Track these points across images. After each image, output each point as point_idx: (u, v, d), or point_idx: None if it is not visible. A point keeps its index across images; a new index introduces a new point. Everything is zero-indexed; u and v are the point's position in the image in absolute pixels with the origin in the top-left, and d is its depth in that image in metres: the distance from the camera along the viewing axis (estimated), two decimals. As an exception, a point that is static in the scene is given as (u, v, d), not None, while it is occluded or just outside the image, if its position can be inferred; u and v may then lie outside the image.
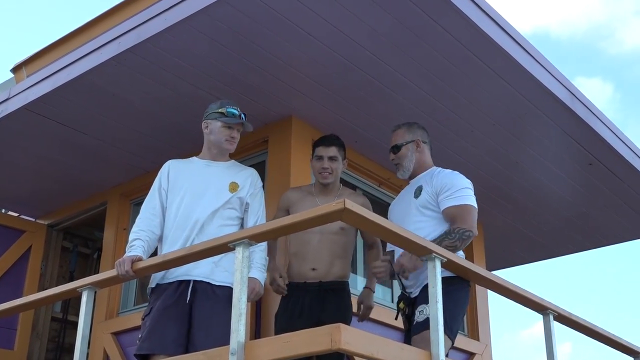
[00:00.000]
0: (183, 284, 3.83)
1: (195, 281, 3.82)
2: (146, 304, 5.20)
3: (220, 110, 4.06)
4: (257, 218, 4.06)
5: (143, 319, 3.91)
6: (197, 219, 3.91)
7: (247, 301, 3.67)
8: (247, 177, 4.12)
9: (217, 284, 3.86)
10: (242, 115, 4.08)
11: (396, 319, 4.13)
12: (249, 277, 3.52)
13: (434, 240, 3.61)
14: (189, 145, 4.95)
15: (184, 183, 4.02)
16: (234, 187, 4.01)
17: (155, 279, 3.91)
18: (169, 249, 3.87)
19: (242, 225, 4.05)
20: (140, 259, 3.68)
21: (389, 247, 4.12)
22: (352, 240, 4.35)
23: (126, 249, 3.86)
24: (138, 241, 3.84)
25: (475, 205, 3.89)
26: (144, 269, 3.68)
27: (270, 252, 4.17)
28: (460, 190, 3.88)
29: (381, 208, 5.15)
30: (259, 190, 4.18)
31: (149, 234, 3.91)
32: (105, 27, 6.03)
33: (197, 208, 3.94)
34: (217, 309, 3.80)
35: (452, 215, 3.80)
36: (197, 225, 3.90)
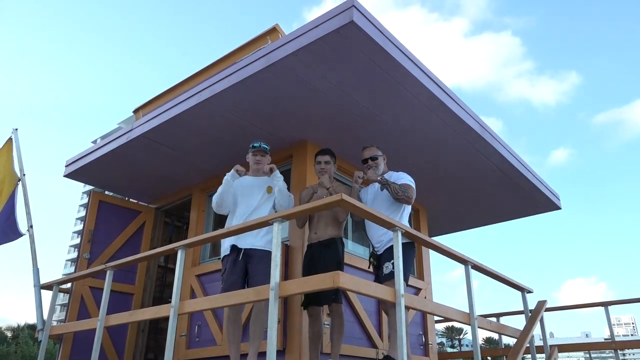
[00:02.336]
0: (239, 252, 3.93)
1: (245, 249, 3.92)
2: (216, 257, 5.24)
3: (250, 146, 4.23)
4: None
5: (222, 275, 4.02)
6: (251, 206, 4.04)
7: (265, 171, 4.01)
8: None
9: (259, 248, 3.93)
10: (262, 145, 4.17)
11: (369, 267, 4.15)
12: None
13: (394, 183, 3.92)
14: (242, 160, 4.95)
15: (242, 190, 4.14)
16: (269, 189, 4.11)
17: (223, 251, 4.07)
18: (234, 222, 4.01)
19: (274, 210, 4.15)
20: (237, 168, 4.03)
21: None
22: (340, 211, 4.14)
23: (225, 178, 4.04)
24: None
25: (415, 188, 4.05)
26: (240, 171, 4.04)
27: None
28: (409, 180, 4.06)
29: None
30: None
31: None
32: (190, 85, 6.06)
33: (251, 201, 4.06)
34: (260, 263, 3.86)
35: (404, 186, 3.96)
36: (250, 209, 4.03)
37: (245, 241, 3.91)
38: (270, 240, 4.02)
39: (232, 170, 4.09)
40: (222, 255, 4.10)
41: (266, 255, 3.92)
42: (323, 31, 3.71)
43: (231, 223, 4.05)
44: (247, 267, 3.88)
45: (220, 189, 4.08)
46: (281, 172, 5.38)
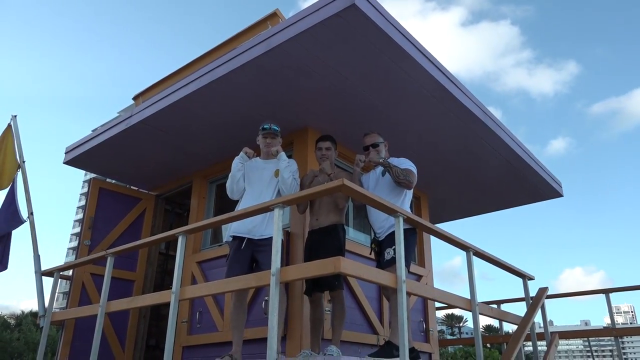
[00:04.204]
0: (243, 240, 3.90)
1: (250, 238, 3.90)
2: (217, 244, 5.22)
3: (260, 128, 4.14)
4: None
5: (226, 260, 4.01)
6: (258, 191, 4.01)
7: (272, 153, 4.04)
8: None
9: (265, 237, 3.88)
10: (272, 127, 4.09)
11: (370, 254, 4.13)
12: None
13: (395, 166, 3.93)
14: (244, 145, 4.89)
15: (252, 173, 4.12)
16: (277, 173, 4.07)
17: (226, 236, 4.06)
18: (241, 207, 3.98)
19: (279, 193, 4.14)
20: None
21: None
22: (341, 197, 4.07)
23: (234, 162, 4.12)
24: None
25: (416, 174, 4.04)
26: (249, 153, 4.13)
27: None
28: (410, 165, 4.05)
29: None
30: None
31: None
32: (190, 71, 5.99)
33: (259, 184, 4.05)
34: (266, 251, 3.80)
35: (406, 171, 3.96)
36: (259, 192, 4.00)
37: (251, 229, 3.87)
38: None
39: (241, 153, 4.08)
40: (227, 239, 4.06)
41: (269, 241, 3.90)
42: (324, 15, 3.65)
43: (239, 208, 4.00)
44: (255, 256, 3.86)
45: (230, 174, 4.06)
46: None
